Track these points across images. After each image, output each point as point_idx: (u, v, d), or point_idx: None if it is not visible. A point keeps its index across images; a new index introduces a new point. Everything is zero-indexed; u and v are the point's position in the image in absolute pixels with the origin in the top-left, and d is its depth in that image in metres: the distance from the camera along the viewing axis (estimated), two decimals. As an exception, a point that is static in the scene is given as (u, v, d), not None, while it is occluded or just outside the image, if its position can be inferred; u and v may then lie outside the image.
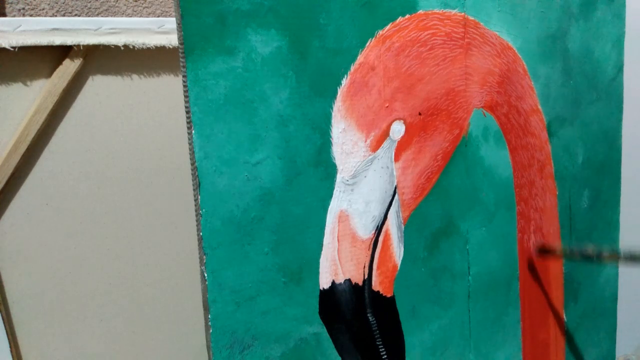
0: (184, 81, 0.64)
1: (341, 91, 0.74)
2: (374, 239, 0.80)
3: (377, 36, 0.76)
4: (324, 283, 0.77)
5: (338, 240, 0.77)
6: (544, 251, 0.99)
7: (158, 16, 1.12)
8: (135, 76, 1.07)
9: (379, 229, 0.80)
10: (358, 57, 0.75)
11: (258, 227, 0.71)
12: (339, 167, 0.76)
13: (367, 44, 0.76)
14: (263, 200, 0.71)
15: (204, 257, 0.67)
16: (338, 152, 0.75)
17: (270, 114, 0.70)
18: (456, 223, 0.90)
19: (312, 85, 0.72)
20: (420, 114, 0.82)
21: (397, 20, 0.78)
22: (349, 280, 0.78)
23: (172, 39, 1.05)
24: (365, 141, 0.77)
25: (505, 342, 1.00)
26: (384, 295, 0.82)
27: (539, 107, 0.98)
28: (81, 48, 0.98)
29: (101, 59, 1.03)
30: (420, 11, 0.80)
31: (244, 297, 0.71)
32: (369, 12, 0.75)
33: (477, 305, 0.94)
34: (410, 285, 0.85)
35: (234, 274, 0.70)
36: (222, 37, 0.65)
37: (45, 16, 1.00)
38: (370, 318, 0.81)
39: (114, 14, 1.07)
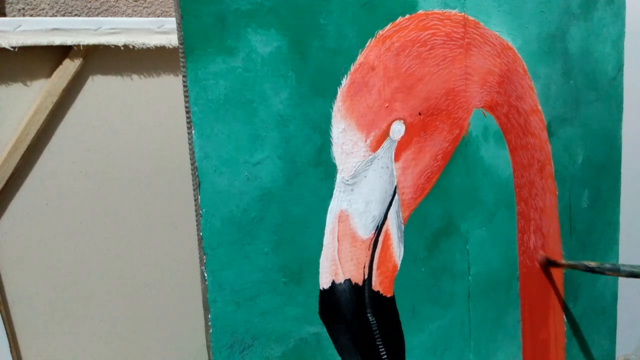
0: (184, 81, 0.64)
1: (341, 91, 0.74)
2: (374, 239, 0.80)
3: (377, 36, 0.76)
4: (324, 283, 0.77)
5: (338, 240, 0.77)
6: (550, 263, 1.01)
7: (158, 16, 1.12)
8: (135, 76, 1.07)
9: (379, 229, 0.80)
10: (358, 57, 0.75)
11: (258, 227, 0.71)
12: (339, 167, 0.76)
13: (367, 44, 0.76)
14: (263, 200, 0.71)
15: (204, 257, 0.67)
16: (338, 152, 0.75)
17: (270, 114, 0.70)
18: (456, 223, 0.90)
19: (312, 85, 0.72)
20: (420, 114, 0.82)
21: (397, 20, 0.78)
22: (349, 280, 0.78)
23: (172, 39, 1.05)
24: (365, 141, 0.77)
25: (505, 342, 1.00)
26: (384, 295, 0.82)
27: (539, 107, 0.98)
28: (81, 48, 0.98)
29: (101, 59, 1.03)
30: (420, 11, 0.80)
31: (244, 297, 0.71)
32: (369, 12, 0.75)
33: (477, 305, 0.94)
34: (410, 285, 0.85)
35: (234, 274, 0.69)
36: (222, 37, 0.65)
37: (45, 16, 1.00)
38: (370, 318, 0.81)
39: (114, 14, 1.07)
